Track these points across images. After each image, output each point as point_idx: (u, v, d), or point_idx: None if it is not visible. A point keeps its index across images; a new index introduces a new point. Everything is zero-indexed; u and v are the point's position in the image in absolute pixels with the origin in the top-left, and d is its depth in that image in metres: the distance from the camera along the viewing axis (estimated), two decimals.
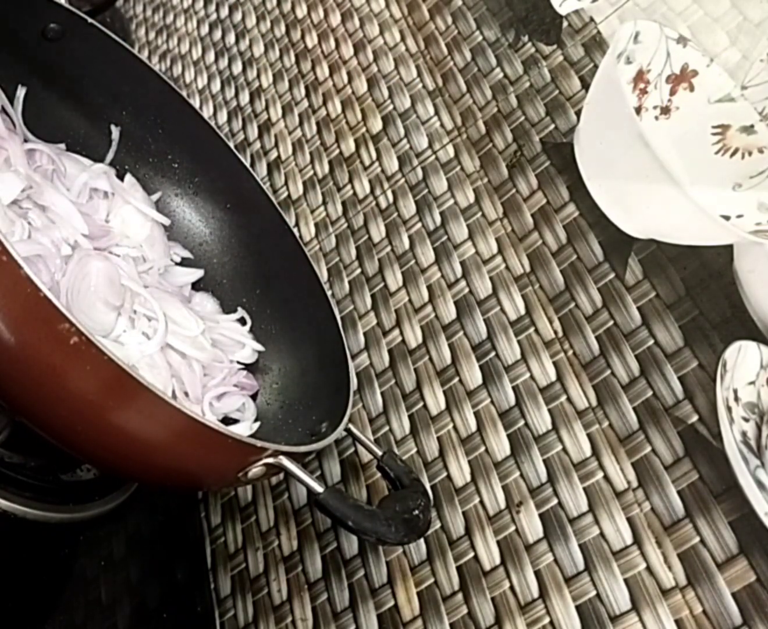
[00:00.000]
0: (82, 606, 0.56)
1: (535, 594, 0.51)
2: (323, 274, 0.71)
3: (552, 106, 0.64)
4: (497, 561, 0.53)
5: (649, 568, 0.48)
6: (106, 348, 0.31)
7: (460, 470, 0.57)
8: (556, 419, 0.55)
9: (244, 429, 0.57)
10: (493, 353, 0.59)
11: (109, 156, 0.63)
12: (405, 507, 0.47)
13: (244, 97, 0.87)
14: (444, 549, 0.56)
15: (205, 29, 0.97)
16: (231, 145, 0.64)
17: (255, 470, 0.41)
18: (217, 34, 0.94)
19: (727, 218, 0.53)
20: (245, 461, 0.40)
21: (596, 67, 0.63)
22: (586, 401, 0.54)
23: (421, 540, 0.56)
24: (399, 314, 0.65)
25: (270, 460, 0.41)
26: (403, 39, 0.76)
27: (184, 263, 0.64)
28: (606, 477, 0.51)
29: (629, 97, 0.60)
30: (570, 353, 0.56)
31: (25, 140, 0.56)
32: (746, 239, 0.52)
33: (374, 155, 0.73)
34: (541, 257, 0.60)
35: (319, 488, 0.42)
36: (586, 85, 0.63)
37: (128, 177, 0.62)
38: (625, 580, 0.48)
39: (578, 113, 0.62)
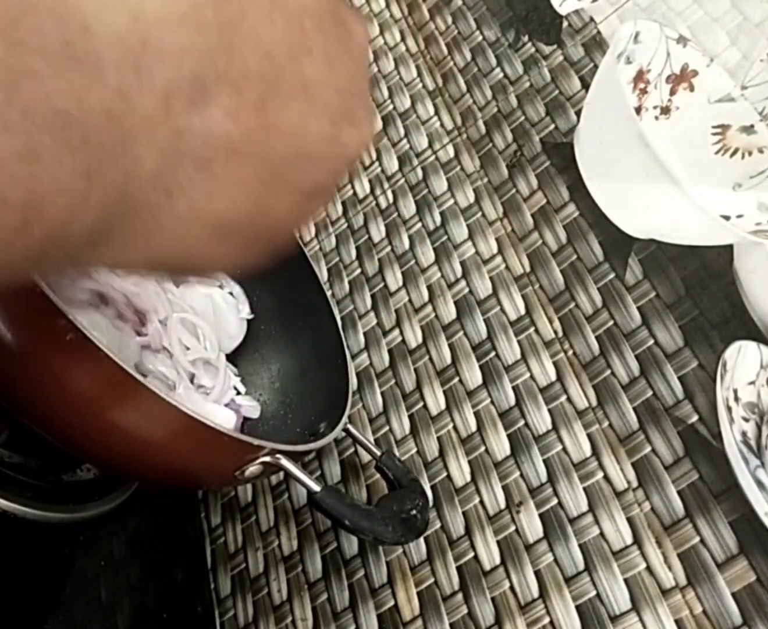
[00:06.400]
0: (82, 606, 0.56)
1: (535, 594, 0.51)
2: (323, 274, 0.71)
3: (552, 106, 0.64)
4: (497, 561, 0.53)
5: (649, 568, 0.48)
6: (102, 344, 0.31)
7: (460, 470, 0.57)
8: (556, 419, 0.55)
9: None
10: (493, 353, 0.59)
11: None
12: (403, 506, 0.47)
13: None
14: (444, 549, 0.55)
15: None
16: None
17: (252, 468, 0.41)
18: None
19: (727, 218, 0.53)
20: (242, 460, 0.40)
21: (596, 67, 0.63)
22: (586, 401, 0.54)
23: (421, 540, 0.56)
24: (399, 314, 0.65)
25: (267, 459, 0.41)
26: (403, 39, 0.76)
27: None
28: (606, 477, 0.51)
29: (629, 97, 0.60)
30: (570, 353, 0.56)
31: None
32: (746, 239, 0.52)
33: (374, 155, 0.73)
34: (541, 257, 0.60)
35: (316, 487, 0.42)
36: (586, 85, 0.63)
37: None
38: (625, 580, 0.48)
39: (578, 113, 0.62)
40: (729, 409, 0.49)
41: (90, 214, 0.15)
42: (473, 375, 0.59)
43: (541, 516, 0.53)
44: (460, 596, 0.54)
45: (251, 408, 0.59)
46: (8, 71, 0.12)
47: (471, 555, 0.54)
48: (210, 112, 0.16)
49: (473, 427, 0.58)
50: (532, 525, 0.53)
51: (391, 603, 0.56)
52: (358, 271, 0.70)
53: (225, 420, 0.56)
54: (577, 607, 0.49)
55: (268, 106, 0.17)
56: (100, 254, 0.17)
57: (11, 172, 0.13)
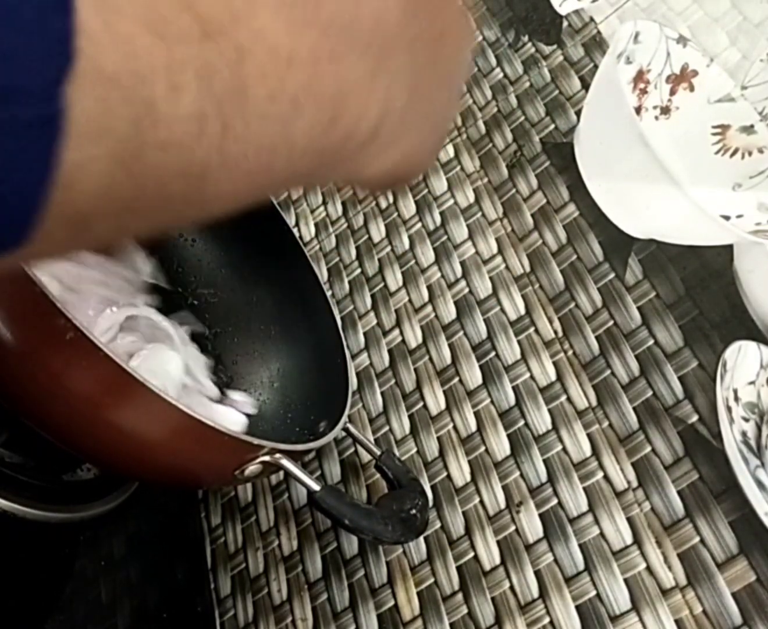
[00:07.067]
0: (82, 606, 0.56)
1: (535, 594, 0.51)
2: (323, 274, 0.71)
3: (552, 106, 0.64)
4: (497, 561, 0.53)
5: (649, 568, 0.48)
6: (102, 344, 0.31)
7: (460, 470, 0.57)
8: (556, 419, 0.55)
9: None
10: (493, 353, 0.59)
11: None
12: (402, 506, 0.47)
13: None
14: (444, 548, 0.55)
15: None
16: None
17: (252, 468, 0.41)
18: None
19: (727, 218, 0.53)
20: (242, 459, 0.40)
21: (596, 67, 0.63)
22: (586, 401, 0.54)
23: (421, 540, 0.56)
24: (399, 314, 0.65)
25: (267, 458, 0.41)
26: None
27: None
28: (606, 477, 0.51)
29: (629, 97, 0.60)
30: (570, 353, 0.56)
31: None
32: (746, 239, 0.52)
33: None
34: (541, 257, 0.60)
35: (316, 486, 0.42)
36: (586, 85, 0.63)
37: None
38: (625, 580, 0.48)
39: (578, 113, 0.62)
40: (729, 409, 0.49)
41: (372, 114, 0.18)
42: (473, 375, 0.59)
43: (541, 516, 0.53)
44: (460, 596, 0.54)
45: (245, 404, 0.58)
46: None
47: (471, 555, 0.54)
48: (420, 19, 0.19)
49: (473, 427, 0.58)
50: (532, 525, 0.53)
51: (391, 603, 0.56)
52: (358, 271, 0.70)
53: (234, 423, 0.56)
54: (577, 607, 0.49)
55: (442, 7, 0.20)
56: (366, 159, 0.19)
57: (327, 70, 0.16)
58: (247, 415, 0.58)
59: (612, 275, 0.56)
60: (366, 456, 0.61)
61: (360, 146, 0.18)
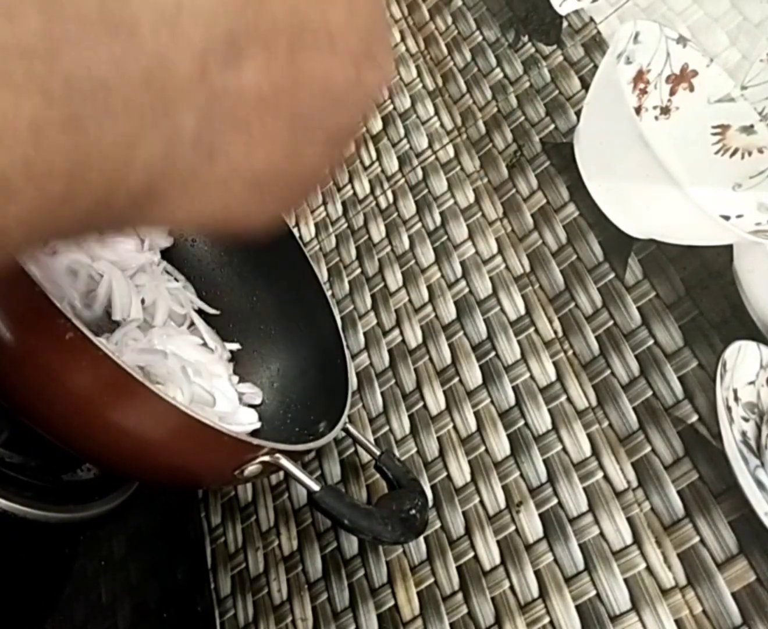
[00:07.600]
0: (82, 606, 0.56)
1: (535, 593, 0.51)
2: (323, 274, 0.71)
3: (552, 106, 0.64)
4: (497, 560, 0.53)
5: (649, 568, 0.48)
6: (102, 344, 0.31)
7: (460, 470, 0.57)
8: (556, 419, 0.55)
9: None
10: (493, 353, 0.59)
11: None
12: (402, 506, 0.47)
13: None
14: (444, 548, 0.55)
15: None
16: None
17: (252, 468, 0.41)
18: None
19: (727, 218, 0.53)
20: (241, 459, 0.40)
21: (596, 67, 0.63)
22: (586, 401, 0.54)
23: (421, 540, 0.56)
24: (399, 314, 0.65)
25: (266, 458, 0.41)
26: (403, 39, 0.76)
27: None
28: (606, 477, 0.51)
29: (629, 97, 0.60)
30: (570, 353, 0.56)
31: None
32: (746, 239, 0.52)
33: (374, 155, 0.73)
34: (541, 257, 0.60)
35: (315, 486, 0.42)
36: (586, 85, 0.63)
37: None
38: (625, 580, 0.48)
39: (578, 113, 0.62)
40: (729, 409, 0.49)
41: (134, 179, 0.15)
42: (473, 375, 0.59)
43: (541, 515, 0.53)
44: (460, 596, 0.54)
45: (253, 395, 0.58)
46: (48, 40, 0.12)
47: (471, 555, 0.54)
48: (243, 70, 0.16)
49: (473, 427, 0.58)
50: (532, 525, 0.53)
51: (391, 602, 0.56)
52: (358, 271, 0.70)
53: (251, 421, 0.56)
54: (577, 607, 0.49)
55: (296, 57, 0.17)
56: (145, 215, 0.17)
57: (56, 142, 0.13)
58: (255, 406, 0.59)
59: (612, 275, 0.56)
60: (366, 456, 0.61)
61: (131, 205, 0.16)
